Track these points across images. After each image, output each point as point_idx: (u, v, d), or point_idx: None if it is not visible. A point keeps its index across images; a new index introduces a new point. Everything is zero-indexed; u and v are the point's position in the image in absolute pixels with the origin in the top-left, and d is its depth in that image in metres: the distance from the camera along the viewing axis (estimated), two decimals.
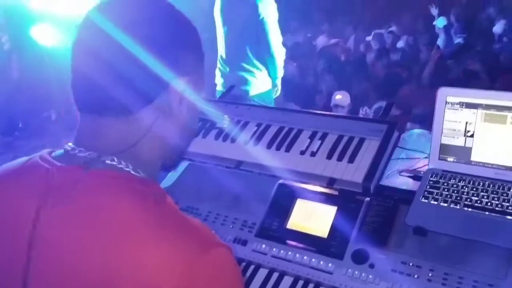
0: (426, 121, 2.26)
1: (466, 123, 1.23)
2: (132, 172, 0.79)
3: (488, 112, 1.21)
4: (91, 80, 0.78)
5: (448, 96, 1.25)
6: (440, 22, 6.70)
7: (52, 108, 5.65)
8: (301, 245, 1.33)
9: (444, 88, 1.25)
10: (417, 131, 1.84)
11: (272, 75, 3.36)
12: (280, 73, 3.41)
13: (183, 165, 1.67)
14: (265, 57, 3.28)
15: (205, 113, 1.04)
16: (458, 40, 6.37)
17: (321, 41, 6.96)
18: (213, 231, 0.79)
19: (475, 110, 1.22)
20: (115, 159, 0.78)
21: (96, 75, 0.77)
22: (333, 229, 1.32)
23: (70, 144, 0.82)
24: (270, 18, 3.17)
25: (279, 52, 3.30)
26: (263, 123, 1.50)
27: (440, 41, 6.37)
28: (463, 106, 1.23)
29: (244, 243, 1.39)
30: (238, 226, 1.44)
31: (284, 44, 3.46)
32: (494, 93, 1.20)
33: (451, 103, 1.24)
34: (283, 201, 1.41)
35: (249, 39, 3.24)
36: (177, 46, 0.80)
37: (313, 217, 1.37)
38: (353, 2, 8.40)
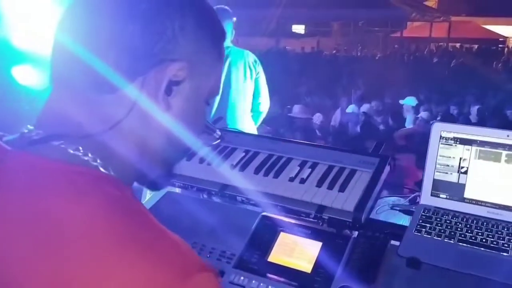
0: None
1: (460, 159, 1.22)
2: (101, 168, 0.63)
3: (482, 148, 1.20)
4: (64, 48, 0.65)
5: (442, 131, 1.24)
6: (408, 102, 6.93)
7: None
8: (282, 279, 1.25)
9: (439, 123, 1.25)
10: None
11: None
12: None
13: (161, 193, 1.59)
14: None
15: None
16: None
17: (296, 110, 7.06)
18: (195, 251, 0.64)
19: (469, 147, 1.21)
20: (81, 148, 0.62)
21: (68, 44, 0.65)
22: (317, 264, 1.24)
23: (30, 126, 0.66)
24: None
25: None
26: (251, 150, 1.45)
27: (408, 121, 6.58)
28: (457, 142, 1.22)
29: (221, 274, 1.29)
30: (216, 256, 1.34)
31: None
32: (489, 130, 1.20)
33: (445, 138, 1.23)
34: (265, 234, 1.34)
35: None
36: (156, 22, 0.64)
37: (296, 251, 1.30)
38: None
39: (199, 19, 0.68)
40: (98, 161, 0.63)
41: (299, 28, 18.49)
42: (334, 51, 15.22)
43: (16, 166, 0.62)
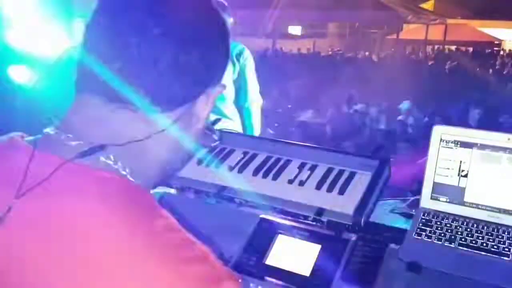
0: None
1: (460, 162, 1.21)
2: (130, 177, 0.65)
3: (483, 151, 1.19)
4: (119, 64, 0.64)
5: (443, 134, 1.23)
6: (405, 106, 7.01)
7: None
8: (280, 283, 1.24)
9: (439, 126, 1.24)
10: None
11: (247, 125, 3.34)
12: (257, 126, 3.37)
13: (157, 194, 1.57)
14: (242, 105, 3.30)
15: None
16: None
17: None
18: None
19: (470, 150, 1.20)
20: (112, 157, 0.64)
21: (128, 62, 0.64)
22: (316, 267, 1.23)
23: (53, 129, 0.67)
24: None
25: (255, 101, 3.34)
26: (250, 152, 1.44)
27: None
28: (458, 145, 1.22)
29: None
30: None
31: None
32: (490, 133, 1.19)
33: (446, 141, 1.23)
34: (264, 236, 1.32)
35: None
36: (218, 48, 0.71)
37: (295, 254, 1.29)
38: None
39: (228, 48, 0.74)
40: (127, 170, 0.65)
41: (295, 30, 18.50)
42: (330, 52, 15.25)
43: (55, 172, 0.62)
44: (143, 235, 0.58)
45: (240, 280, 0.62)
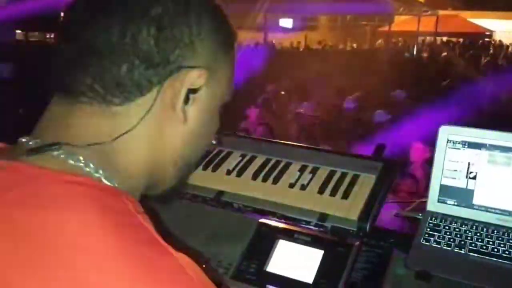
0: None
1: (469, 163, 1.16)
2: (104, 179, 0.59)
3: (492, 153, 1.14)
4: (68, 52, 0.61)
5: (450, 134, 1.18)
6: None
7: None
8: None
9: (446, 126, 1.19)
10: None
11: None
12: None
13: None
14: None
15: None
16: None
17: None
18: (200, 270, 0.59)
19: (478, 151, 1.16)
20: (81, 159, 0.58)
21: (76, 48, 0.60)
22: (319, 274, 1.18)
23: (27, 136, 0.62)
24: None
25: None
26: (248, 154, 1.38)
27: None
28: (466, 146, 1.17)
29: (218, 286, 1.23)
30: (212, 266, 1.28)
31: None
32: (499, 133, 1.14)
33: (453, 142, 1.18)
34: (264, 241, 1.27)
35: None
36: (182, 24, 0.61)
37: (296, 260, 1.24)
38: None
39: (215, 23, 0.65)
40: (101, 172, 0.59)
41: (286, 22, 18.42)
42: (321, 46, 15.19)
43: (10, 177, 0.57)
44: (110, 244, 0.52)
45: None
